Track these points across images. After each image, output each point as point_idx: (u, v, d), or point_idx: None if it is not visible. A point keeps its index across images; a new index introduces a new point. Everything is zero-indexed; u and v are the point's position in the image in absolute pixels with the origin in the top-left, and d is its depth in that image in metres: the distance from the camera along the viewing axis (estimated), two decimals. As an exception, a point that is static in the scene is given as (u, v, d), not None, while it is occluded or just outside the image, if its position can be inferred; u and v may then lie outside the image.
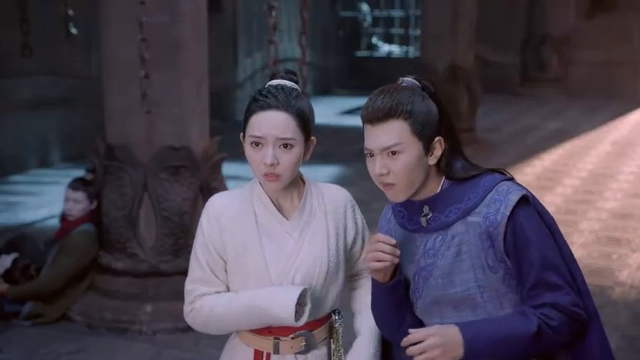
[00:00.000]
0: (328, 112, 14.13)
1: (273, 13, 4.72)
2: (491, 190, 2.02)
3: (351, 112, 14.76)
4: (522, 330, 1.95)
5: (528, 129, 12.46)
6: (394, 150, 2.00)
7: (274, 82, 2.19)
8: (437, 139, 2.03)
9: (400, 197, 2.06)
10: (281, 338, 2.19)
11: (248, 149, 2.15)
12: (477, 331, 1.96)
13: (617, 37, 16.07)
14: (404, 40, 19.41)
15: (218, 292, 2.23)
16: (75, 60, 9.55)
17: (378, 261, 2.01)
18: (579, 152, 10.82)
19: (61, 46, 8.41)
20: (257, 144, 2.12)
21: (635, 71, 16.29)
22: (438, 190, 2.08)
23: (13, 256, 5.11)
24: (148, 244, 4.95)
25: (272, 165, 2.10)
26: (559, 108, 14.89)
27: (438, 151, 2.04)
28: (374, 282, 2.11)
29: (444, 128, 2.05)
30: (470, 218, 2.02)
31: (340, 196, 2.29)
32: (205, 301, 2.21)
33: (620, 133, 12.43)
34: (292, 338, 2.19)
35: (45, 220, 7.11)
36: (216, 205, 2.24)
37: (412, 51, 18.84)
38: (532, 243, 1.98)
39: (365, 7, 19.53)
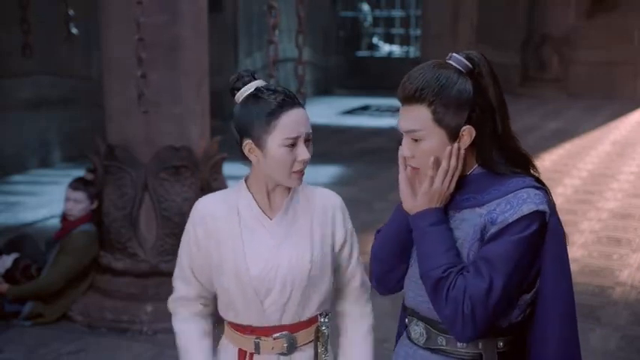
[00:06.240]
0: (328, 112, 14.13)
1: (273, 13, 4.73)
2: (511, 192, 1.93)
3: (351, 112, 14.78)
4: (440, 261, 1.92)
5: (528, 129, 12.44)
6: (414, 137, 1.94)
7: (256, 83, 2.13)
8: (465, 128, 1.92)
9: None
10: (262, 338, 2.19)
11: (281, 151, 2.09)
12: (435, 221, 1.95)
13: (617, 37, 16.07)
14: (404, 40, 19.43)
15: (199, 296, 2.29)
16: (75, 60, 9.55)
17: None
18: (579, 152, 10.81)
19: (61, 46, 8.40)
20: (292, 145, 2.09)
21: (635, 71, 16.29)
22: (467, 174, 1.99)
23: (13, 256, 5.11)
24: (149, 244, 4.96)
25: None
26: (559, 108, 14.89)
27: (466, 140, 1.93)
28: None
29: (480, 115, 1.93)
30: (478, 209, 1.96)
31: (331, 200, 2.26)
32: (177, 318, 2.33)
33: (620, 133, 12.43)
34: (274, 339, 2.18)
35: (45, 220, 7.12)
36: (201, 206, 2.25)
37: (412, 51, 18.86)
38: (504, 252, 1.88)
39: (365, 7, 19.55)
